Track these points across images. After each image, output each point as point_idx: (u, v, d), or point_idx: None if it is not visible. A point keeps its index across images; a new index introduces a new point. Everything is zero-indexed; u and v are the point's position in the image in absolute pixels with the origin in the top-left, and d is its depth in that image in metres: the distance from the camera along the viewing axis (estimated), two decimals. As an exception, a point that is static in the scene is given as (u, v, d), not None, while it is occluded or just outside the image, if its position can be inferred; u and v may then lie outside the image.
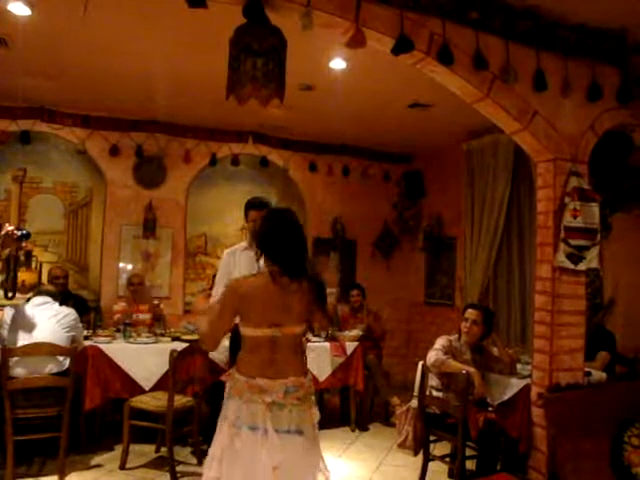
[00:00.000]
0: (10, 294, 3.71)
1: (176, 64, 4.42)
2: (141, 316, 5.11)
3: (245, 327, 2.34)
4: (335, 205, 6.94)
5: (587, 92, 3.70)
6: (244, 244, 3.66)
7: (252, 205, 3.64)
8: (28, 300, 4.06)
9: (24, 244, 3.75)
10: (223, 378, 2.44)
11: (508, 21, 3.40)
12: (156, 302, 5.24)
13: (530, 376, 3.78)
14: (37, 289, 4.19)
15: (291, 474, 2.24)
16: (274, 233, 2.35)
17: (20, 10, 3.58)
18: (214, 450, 2.31)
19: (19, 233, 3.61)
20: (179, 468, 3.95)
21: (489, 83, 3.42)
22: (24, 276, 5.54)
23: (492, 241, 5.69)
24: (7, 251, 3.62)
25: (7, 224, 3.76)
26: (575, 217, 3.62)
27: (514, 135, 3.76)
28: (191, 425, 4.14)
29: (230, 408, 2.30)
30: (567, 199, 3.63)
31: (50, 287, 4.41)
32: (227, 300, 2.34)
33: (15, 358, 3.65)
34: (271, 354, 2.31)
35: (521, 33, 3.46)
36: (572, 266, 3.62)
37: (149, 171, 6.16)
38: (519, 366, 4.04)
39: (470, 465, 3.73)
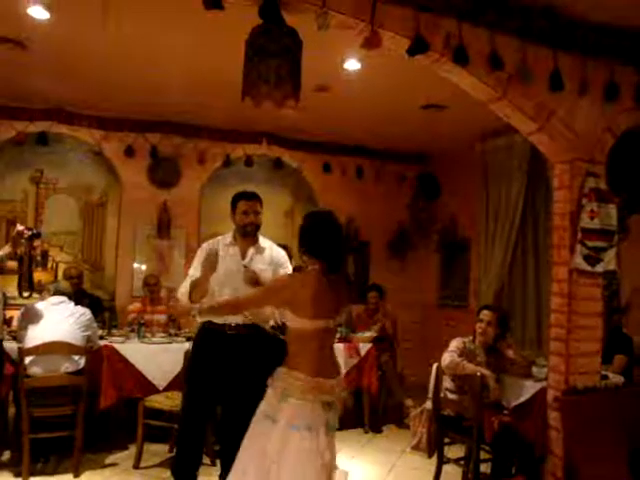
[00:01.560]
0: (26, 293, 3.75)
1: (192, 65, 4.44)
2: (156, 317, 5.14)
3: (302, 319, 2.36)
4: (349, 206, 6.91)
5: (604, 92, 3.64)
6: (228, 237, 3.41)
7: (243, 195, 3.35)
8: (43, 299, 4.10)
9: (36, 243, 3.78)
10: None
11: (524, 21, 3.37)
12: (172, 303, 5.26)
13: (546, 379, 3.74)
14: (55, 286, 4.21)
15: (332, 466, 2.32)
16: (324, 232, 2.47)
17: (39, 14, 3.63)
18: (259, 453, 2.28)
19: (29, 232, 3.64)
20: (193, 468, 3.97)
21: (505, 83, 3.38)
22: (40, 276, 5.60)
23: (507, 243, 5.64)
24: (20, 250, 3.65)
25: (18, 224, 3.79)
26: (592, 218, 3.58)
27: (530, 136, 3.72)
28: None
29: (288, 408, 2.28)
30: (584, 200, 3.59)
31: (65, 284, 4.42)
32: (277, 294, 2.48)
33: (31, 357, 3.69)
34: (319, 349, 2.37)
35: (537, 33, 3.42)
36: (589, 268, 3.58)
37: (164, 172, 6.20)
38: (534, 369, 4.00)
39: (485, 468, 3.70)
